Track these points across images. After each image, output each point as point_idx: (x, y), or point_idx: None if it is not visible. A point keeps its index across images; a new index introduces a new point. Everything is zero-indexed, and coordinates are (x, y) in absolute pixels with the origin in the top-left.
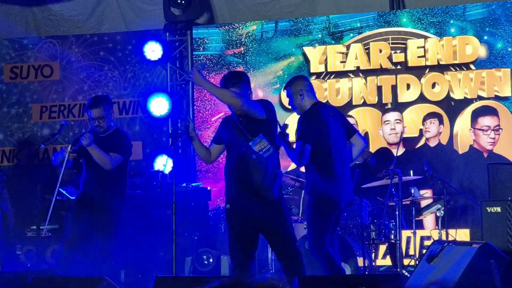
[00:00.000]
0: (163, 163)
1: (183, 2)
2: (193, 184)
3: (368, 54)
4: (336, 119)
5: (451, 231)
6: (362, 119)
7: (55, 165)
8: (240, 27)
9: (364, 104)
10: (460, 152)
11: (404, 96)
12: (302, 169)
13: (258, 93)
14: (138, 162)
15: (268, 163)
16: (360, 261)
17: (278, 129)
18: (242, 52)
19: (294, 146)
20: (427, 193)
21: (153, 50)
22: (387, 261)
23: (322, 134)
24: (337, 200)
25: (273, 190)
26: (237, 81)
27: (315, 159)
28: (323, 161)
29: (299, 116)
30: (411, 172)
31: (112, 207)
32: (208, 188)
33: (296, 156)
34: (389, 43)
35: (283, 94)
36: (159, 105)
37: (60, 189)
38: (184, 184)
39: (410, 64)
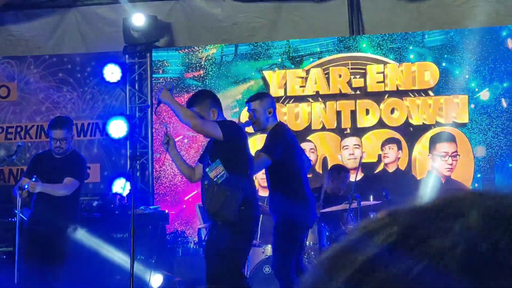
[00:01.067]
0: (121, 186)
1: (143, 24)
2: (151, 207)
3: (327, 79)
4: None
5: None
6: (321, 144)
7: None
8: (200, 50)
9: (323, 129)
10: (419, 178)
11: (363, 121)
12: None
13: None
14: (95, 184)
15: (221, 187)
16: None
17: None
18: (202, 75)
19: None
20: None
21: (112, 72)
22: None
23: (292, 152)
24: (306, 220)
25: (225, 214)
26: (200, 100)
27: (284, 178)
28: (292, 180)
29: (255, 132)
30: (371, 197)
31: (64, 229)
32: (166, 211)
33: (254, 166)
34: (348, 68)
35: (244, 111)
36: (117, 128)
37: (15, 211)
38: (143, 208)
39: (369, 89)
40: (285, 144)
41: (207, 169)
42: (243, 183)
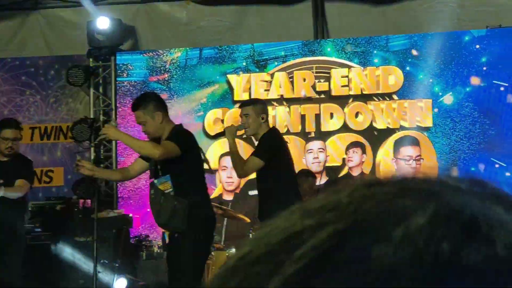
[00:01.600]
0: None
1: (107, 27)
2: (115, 211)
3: (292, 82)
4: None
5: None
6: None
7: None
8: (165, 54)
9: (288, 132)
10: None
11: (328, 125)
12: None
13: (182, 120)
14: (59, 188)
15: (168, 198)
16: None
17: (203, 157)
18: (166, 79)
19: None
20: None
21: (76, 76)
22: None
23: (284, 157)
24: None
25: (174, 225)
26: (143, 103)
27: (275, 184)
28: (284, 186)
29: (247, 136)
30: None
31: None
32: (130, 215)
33: (244, 167)
34: (313, 72)
35: (210, 114)
36: (81, 131)
37: None
38: (106, 211)
39: (333, 93)
40: (277, 150)
41: (155, 181)
42: (192, 188)
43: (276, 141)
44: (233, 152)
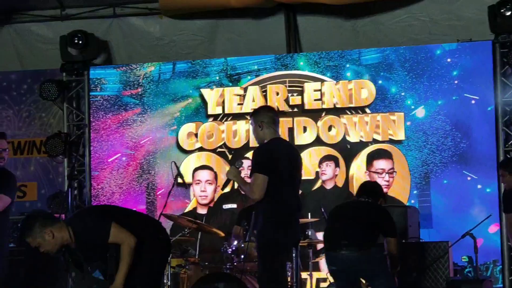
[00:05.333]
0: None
1: (80, 42)
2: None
3: (265, 96)
4: (293, 157)
5: None
6: None
7: None
8: (138, 68)
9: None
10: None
11: (301, 138)
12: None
13: (156, 135)
14: (33, 203)
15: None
16: None
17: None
18: (140, 93)
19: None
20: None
21: (49, 90)
22: None
23: (276, 167)
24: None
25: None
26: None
27: (266, 197)
28: (276, 199)
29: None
30: (309, 214)
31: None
32: None
33: (252, 188)
34: (286, 85)
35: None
36: (55, 146)
37: None
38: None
39: (306, 107)
40: (268, 161)
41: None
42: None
43: (263, 157)
44: (244, 185)
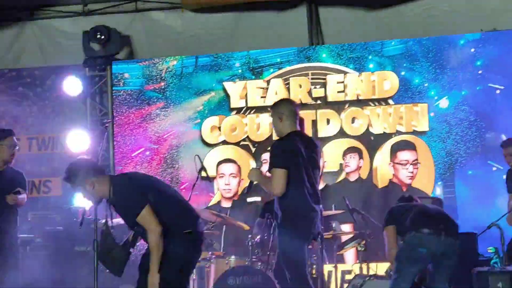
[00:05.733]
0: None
1: (102, 37)
2: (114, 220)
3: (288, 89)
4: (311, 151)
5: (372, 265)
6: None
7: None
8: (160, 62)
9: None
10: (380, 186)
11: (324, 131)
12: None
13: (179, 128)
14: (57, 198)
15: None
16: None
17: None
18: (163, 87)
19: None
20: (348, 227)
21: (72, 86)
22: None
23: (294, 161)
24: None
25: None
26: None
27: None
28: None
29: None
30: (333, 206)
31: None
32: None
33: (272, 184)
34: (309, 78)
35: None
36: (78, 141)
37: None
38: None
39: (329, 99)
40: (286, 154)
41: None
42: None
43: (282, 151)
44: (266, 184)
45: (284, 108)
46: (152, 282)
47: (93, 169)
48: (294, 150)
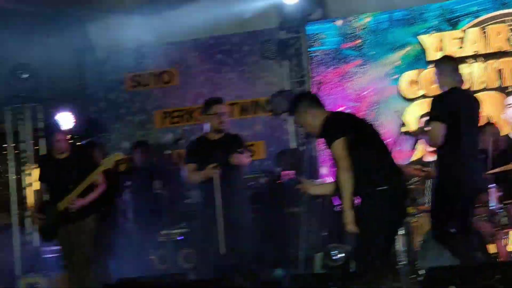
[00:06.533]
0: None
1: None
2: (319, 180)
3: (485, 37)
4: (471, 106)
5: None
6: (484, 104)
7: None
8: (354, 20)
9: (485, 88)
10: None
11: None
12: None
13: (378, 85)
14: (262, 161)
15: None
16: (492, 248)
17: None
18: (359, 45)
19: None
20: None
21: (269, 49)
22: None
23: (454, 117)
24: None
25: None
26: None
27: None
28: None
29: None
30: None
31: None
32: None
33: (430, 136)
34: (507, 25)
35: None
36: (279, 104)
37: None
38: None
39: None
40: (447, 110)
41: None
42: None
43: (441, 106)
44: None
45: (447, 64)
46: (347, 217)
47: (313, 102)
48: (454, 105)
